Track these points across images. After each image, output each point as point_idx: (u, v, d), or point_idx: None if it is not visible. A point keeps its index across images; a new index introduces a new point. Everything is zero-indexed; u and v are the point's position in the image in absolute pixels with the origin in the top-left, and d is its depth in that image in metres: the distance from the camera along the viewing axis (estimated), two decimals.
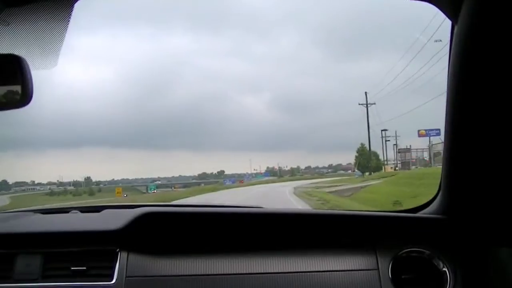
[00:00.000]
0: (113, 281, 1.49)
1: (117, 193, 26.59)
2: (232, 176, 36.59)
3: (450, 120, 1.34)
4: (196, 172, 38.49)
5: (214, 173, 38.31)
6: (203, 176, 37.88)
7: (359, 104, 27.38)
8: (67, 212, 1.86)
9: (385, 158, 29.58)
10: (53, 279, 1.50)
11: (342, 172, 36.15)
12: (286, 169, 38.69)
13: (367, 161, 28.49)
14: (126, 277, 1.49)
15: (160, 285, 1.50)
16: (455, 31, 1.24)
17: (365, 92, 27.32)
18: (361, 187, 19.23)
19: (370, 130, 27.40)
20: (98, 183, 34.57)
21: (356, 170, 30.31)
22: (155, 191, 30.45)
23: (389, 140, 28.59)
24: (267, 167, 38.62)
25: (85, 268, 1.51)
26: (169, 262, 1.53)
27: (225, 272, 1.51)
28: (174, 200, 14.90)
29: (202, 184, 34.43)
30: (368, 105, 27.11)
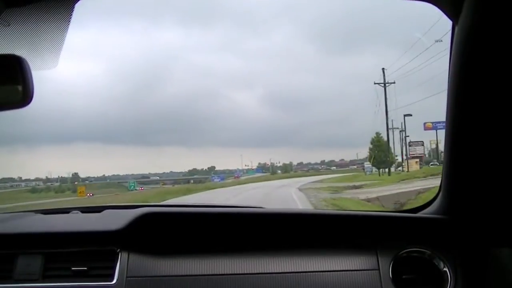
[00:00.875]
0: (114, 282, 1.48)
1: (80, 193, 22.10)
2: (222, 172, 35.62)
3: (450, 120, 1.35)
4: (187, 168, 38.18)
5: (204, 169, 37.74)
6: (194, 172, 37.28)
7: (374, 83, 22.77)
8: (68, 212, 1.85)
9: (404, 152, 24.76)
10: (54, 280, 1.49)
11: (334, 168, 35.49)
12: (279, 165, 38.34)
13: (384, 155, 23.55)
14: (126, 277, 1.49)
15: (161, 285, 1.49)
16: (455, 31, 1.25)
17: (383, 69, 23.01)
18: (418, 192, 12.62)
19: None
20: (85, 179, 33.55)
21: (366, 165, 26.27)
22: (142, 188, 28.43)
23: (406, 133, 24.59)
24: (259, 163, 38.00)
25: (85, 268, 1.51)
26: (170, 262, 1.53)
27: (226, 272, 1.51)
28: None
29: (192, 181, 33.87)
30: (387, 84, 22.46)
